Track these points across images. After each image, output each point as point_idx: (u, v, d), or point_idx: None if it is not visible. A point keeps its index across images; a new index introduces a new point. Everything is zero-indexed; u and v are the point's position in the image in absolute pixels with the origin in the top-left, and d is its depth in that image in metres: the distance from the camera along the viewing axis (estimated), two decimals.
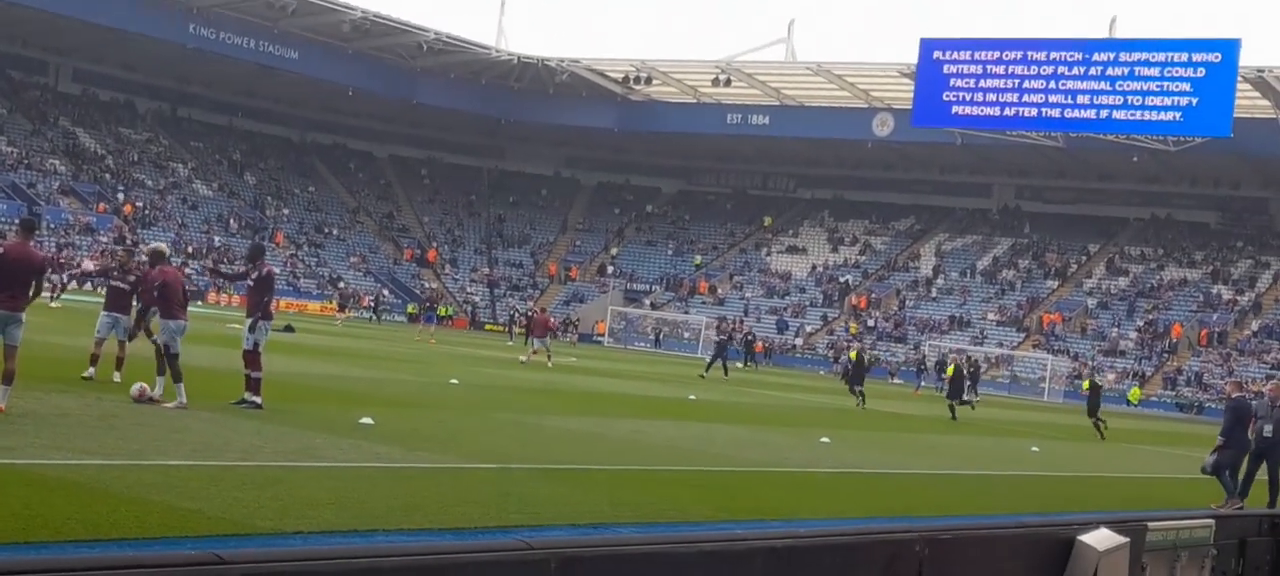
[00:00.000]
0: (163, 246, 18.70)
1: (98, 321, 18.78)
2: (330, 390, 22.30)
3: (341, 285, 79.14)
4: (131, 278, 18.83)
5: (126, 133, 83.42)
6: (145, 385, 16.51)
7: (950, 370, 39.08)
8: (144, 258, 19.76)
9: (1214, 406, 58.34)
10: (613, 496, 13.01)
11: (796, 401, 37.40)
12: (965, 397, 37.22)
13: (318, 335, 44.77)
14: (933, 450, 24.63)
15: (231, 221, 79.83)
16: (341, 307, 71.75)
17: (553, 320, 61.78)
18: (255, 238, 71.05)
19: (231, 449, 13.26)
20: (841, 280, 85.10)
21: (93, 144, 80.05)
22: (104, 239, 68.40)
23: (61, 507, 9.15)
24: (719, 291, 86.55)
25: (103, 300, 19.61)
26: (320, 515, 10.09)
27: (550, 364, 40.99)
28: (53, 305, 40.42)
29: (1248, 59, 67.78)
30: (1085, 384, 37.59)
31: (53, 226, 68.47)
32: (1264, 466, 18.81)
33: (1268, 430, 18.69)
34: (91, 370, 18.29)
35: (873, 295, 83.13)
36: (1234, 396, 19.86)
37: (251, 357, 17.21)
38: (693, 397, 32.66)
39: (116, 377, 18.10)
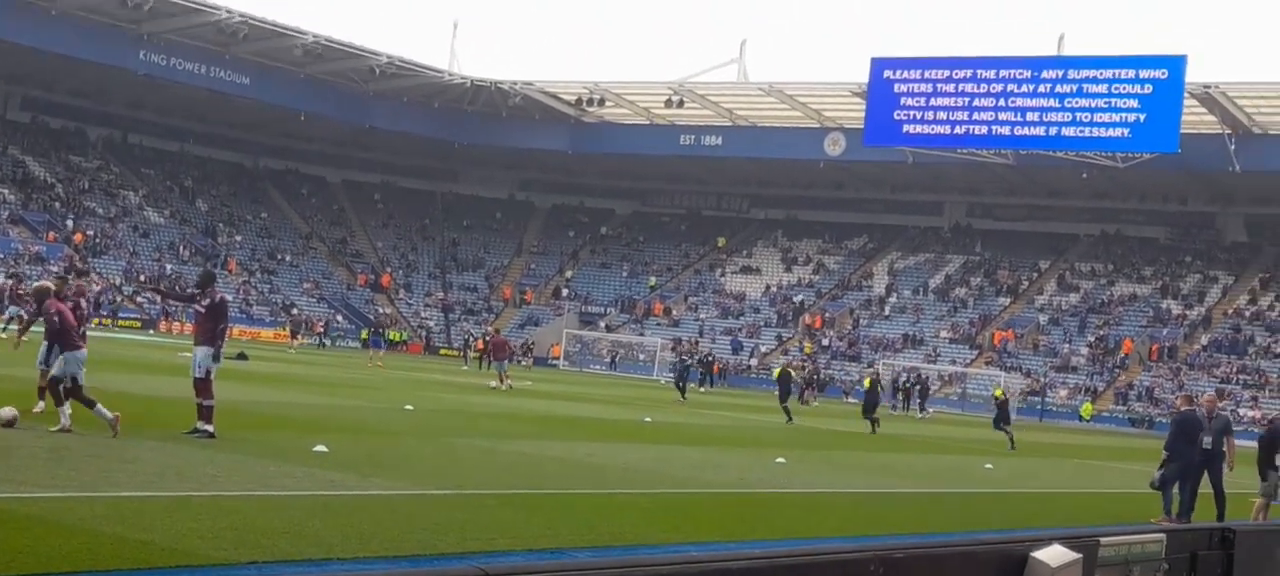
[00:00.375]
0: (47, 283, 18.71)
1: (39, 351, 18.60)
2: (284, 418, 22.18)
3: (295, 311, 78.68)
4: (69, 305, 18.65)
5: (76, 160, 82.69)
6: (13, 410, 16.31)
7: (868, 382, 39.32)
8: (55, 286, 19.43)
9: (1165, 421, 58.72)
10: (568, 520, 13.00)
11: (752, 422, 37.44)
12: (876, 416, 36.66)
13: (271, 362, 44.51)
14: (887, 469, 24.73)
15: (183, 249, 79.26)
16: (294, 334, 71.35)
17: (512, 343, 61.73)
18: (206, 265, 70.60)
19: (184, 479, 13.18)
20: (795, 300, 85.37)
21: (42, 172, 79.34)
22: (54, 268, 67.59)
23: (13, 541, 9.07)
24: (674, 313, 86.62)
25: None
26: (275, 545, 10.04)
27: (504, 386, 40.95)
28: (4, 336, 39.92)
29: (1194, 75, 68.44)
30: (998, 391, 37.79)
31: (2, 256, 67.79)
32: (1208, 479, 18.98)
33: (1207, 442, 18.86)
34: (41, 404, 18.09)
35: (826, 314, 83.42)
36: (1182, 410, 20.02)
37: (203, 386, 17.11)
38: (648, 420, 32.67)
39: (64, 407, 17.88)
